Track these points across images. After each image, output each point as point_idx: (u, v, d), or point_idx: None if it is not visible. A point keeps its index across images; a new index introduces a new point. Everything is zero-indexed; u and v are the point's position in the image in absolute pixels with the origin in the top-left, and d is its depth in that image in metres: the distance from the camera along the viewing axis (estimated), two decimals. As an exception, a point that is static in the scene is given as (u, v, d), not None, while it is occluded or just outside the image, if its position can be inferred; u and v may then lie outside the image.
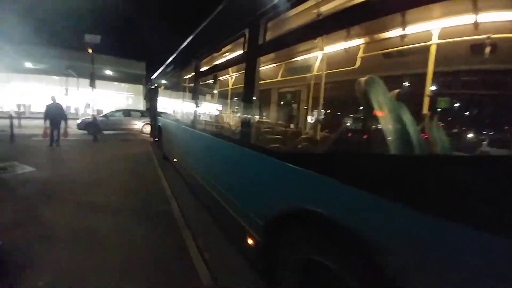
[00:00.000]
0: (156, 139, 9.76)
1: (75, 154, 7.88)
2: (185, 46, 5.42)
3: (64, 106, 9.34)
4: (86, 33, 16.81)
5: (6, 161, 6.14)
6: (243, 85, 2.51)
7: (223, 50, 3.68)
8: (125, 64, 29.49)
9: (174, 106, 6.88)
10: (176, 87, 6.64)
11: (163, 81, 8.10)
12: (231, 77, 6.54)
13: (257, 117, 3.19)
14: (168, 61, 7.10)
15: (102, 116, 13.73)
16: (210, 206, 3.75)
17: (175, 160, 6.16)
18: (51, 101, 8.91)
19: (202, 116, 6.00)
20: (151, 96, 11.33)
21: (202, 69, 4.33)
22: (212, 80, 4.45)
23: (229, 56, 3.74)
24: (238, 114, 5.63)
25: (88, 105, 11.71)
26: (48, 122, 8.94)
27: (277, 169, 1.96)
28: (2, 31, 20.10)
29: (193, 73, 4.53)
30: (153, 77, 10.33)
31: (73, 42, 21.68)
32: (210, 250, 2.95)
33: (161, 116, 8.86)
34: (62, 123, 9.31)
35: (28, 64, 24.71)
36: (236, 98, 6.90)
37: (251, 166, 2.36)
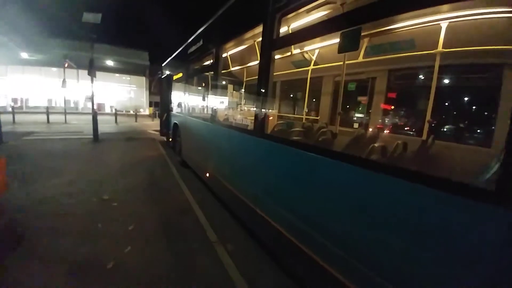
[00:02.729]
0: (170, 139, 8.07)
1: (70, 160, 6.19)
2: (225, 12, 3.70)
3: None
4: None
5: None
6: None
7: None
8: (127, 54, 27.64)
9: (202, 98, 5.17)
10: (204, 72, 4.92)
11: (181, 67, 6.32)
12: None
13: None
14: (192, 38, 5.33)
15: None
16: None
17: (207, 175, 4.46)
18: None
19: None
20: (161, 87, 9.59)
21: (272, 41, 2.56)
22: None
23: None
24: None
25: (88, 99, 9.90)
26: None
27: None
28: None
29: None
30: (164, 63, 8.55)
31: (72, 30, 19.97)
32: None
33: (177, 111, 7.15)
34: None
35: (24, 55, 23.05)
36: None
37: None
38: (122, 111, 26.77)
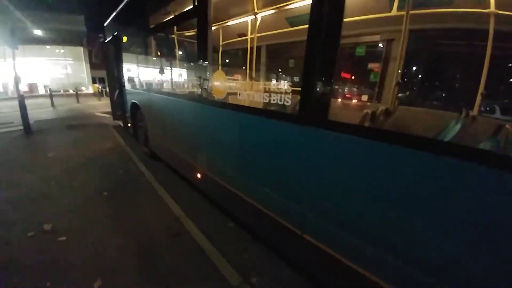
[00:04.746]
0: (128, 124, 6.66)
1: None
2: None
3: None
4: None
5: None
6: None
7: None
8: (57, 20, 23.93)
9: (178, 65, 3.91)
10: (178, 24, 3.66)
11: (136, 22, 4.84)
12: None
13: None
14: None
15: None
16: None
17: (198, 175, 3.36)
18: None
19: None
20: (106, 55, 7.88)
21: None
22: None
23: None
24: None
25: (19, 79, 7.78)
26: None
27: None
28: None
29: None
30: (108, 21, 6.80)
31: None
32: None
33: (134, 87, 5.75)
34: None
35: None
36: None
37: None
38: (60, 91, 23.57)
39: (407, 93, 3.22)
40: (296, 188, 1.96)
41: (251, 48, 4.68)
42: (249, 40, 4.75)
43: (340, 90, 2.49)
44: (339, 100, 2.36)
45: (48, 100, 15.06)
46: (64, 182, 4.01)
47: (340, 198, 1.67)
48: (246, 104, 2.38)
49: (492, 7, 2.29)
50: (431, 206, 1.28)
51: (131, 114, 6.05)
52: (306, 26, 1.70)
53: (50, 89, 16.43)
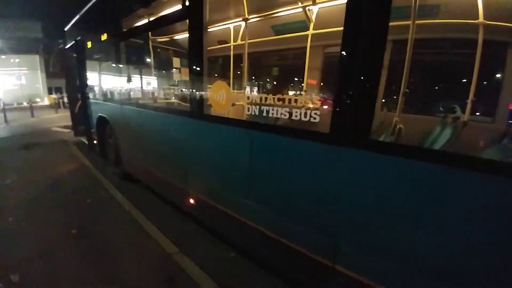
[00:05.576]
0: (93, 141, 5.90)
1: None
2: None
3: None
4: None
5: None
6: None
7: None
8: (10, 28, 22.29)
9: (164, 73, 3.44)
10: (163, 26, 3.23)
11: (106, 25, 4.25)
12: None
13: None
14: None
15: None
16: None
17: (190, 201, 2.86)
18: None
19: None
20: (67, 63, 7.08)
21: None
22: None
23: None
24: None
25: None
26: None
27: None
28: None
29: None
30: (71, 25, 6.06)
31: None
32: None
33: (101, 97, 5.12)
34: None
35: None
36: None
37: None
38: (13, 104, 21.69)
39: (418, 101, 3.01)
40: (325, 214, 1.69)
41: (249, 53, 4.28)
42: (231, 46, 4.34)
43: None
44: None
45: (2, 115, 13.54)
46: (24, 218, 3.29)
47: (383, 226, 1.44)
48: (255, 119, 1.97)
49: (481, 18, 2.16)
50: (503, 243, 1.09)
51: (97, 130, 5.35)
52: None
53: (3, 103, 14.90)
